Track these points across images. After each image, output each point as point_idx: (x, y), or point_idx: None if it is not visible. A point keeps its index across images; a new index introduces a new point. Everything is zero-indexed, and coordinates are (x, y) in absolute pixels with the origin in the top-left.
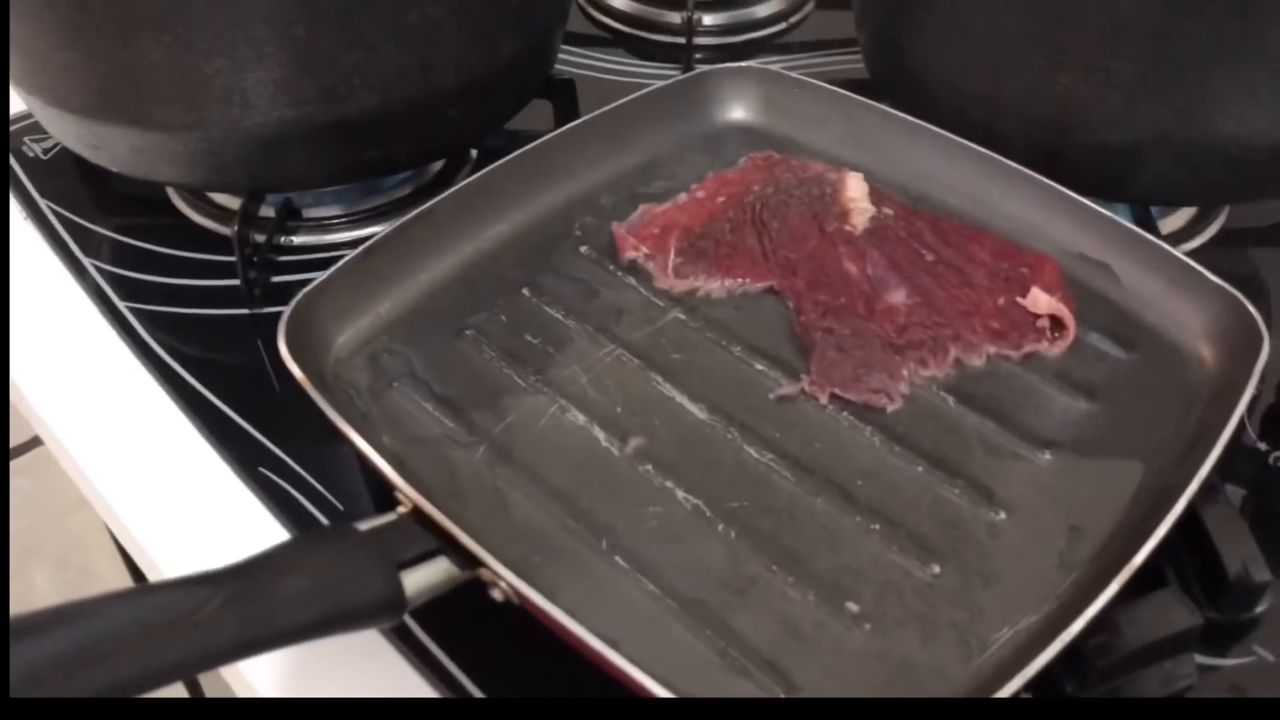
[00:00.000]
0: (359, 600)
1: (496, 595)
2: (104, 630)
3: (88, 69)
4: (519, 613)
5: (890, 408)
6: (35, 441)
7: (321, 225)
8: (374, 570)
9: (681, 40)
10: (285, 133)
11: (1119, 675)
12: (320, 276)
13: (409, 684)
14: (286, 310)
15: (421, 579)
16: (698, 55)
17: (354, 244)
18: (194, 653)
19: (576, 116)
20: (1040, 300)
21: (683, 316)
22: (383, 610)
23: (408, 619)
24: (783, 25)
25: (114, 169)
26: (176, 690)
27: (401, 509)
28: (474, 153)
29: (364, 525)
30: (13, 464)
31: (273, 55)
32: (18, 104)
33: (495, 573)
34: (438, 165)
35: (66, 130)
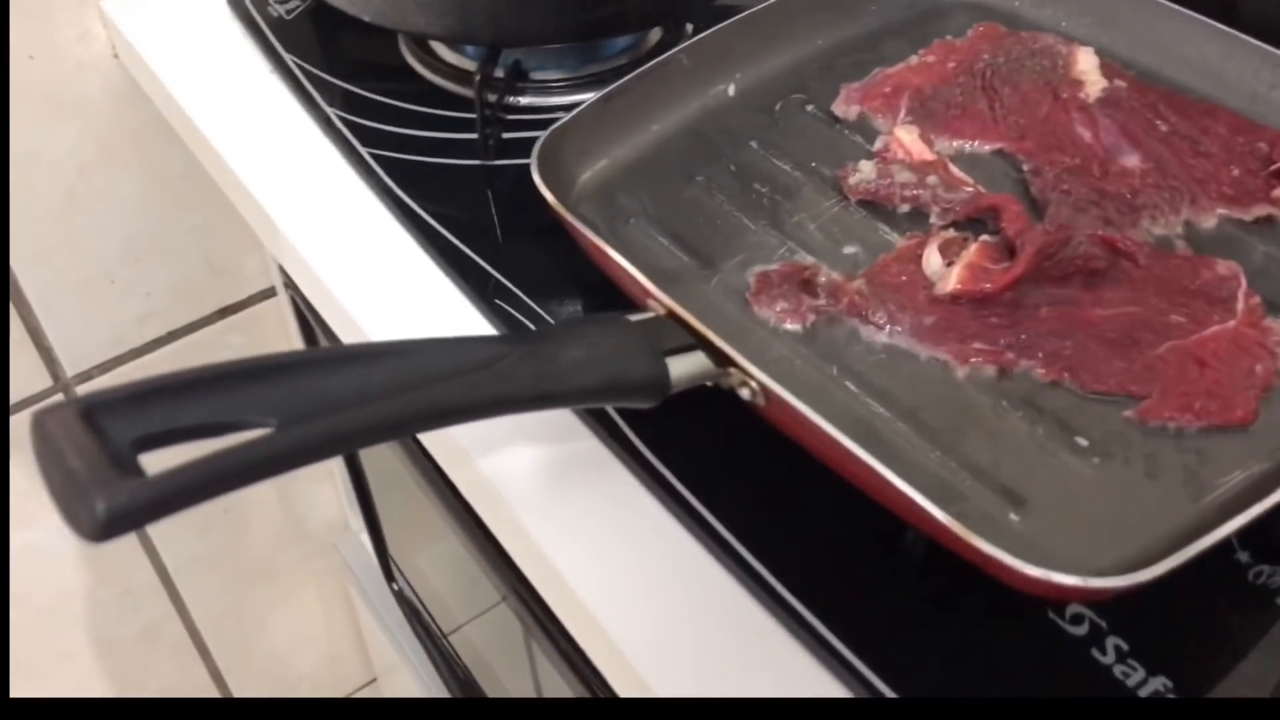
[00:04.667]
0: (630, 374)
1: (745, 394)
2: (426, 364)
3: None
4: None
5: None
6: (250, 300)
7: (545, 88)
8: (643, 351)
9: None
10: None
11: None
12: (564, 118)
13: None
14: (535, 147)
15: (682, 367)
16: None
17: (573, 107)
18: (496, 394)
19: None
20: None
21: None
22: (649, 388)
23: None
24: None
25: (366, 18)
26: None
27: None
28: (689, 27)
29: (632, 317)
30: (229, 320)
31: None
32: None
33: (745, 371)
34: (655, 38)
35: None
